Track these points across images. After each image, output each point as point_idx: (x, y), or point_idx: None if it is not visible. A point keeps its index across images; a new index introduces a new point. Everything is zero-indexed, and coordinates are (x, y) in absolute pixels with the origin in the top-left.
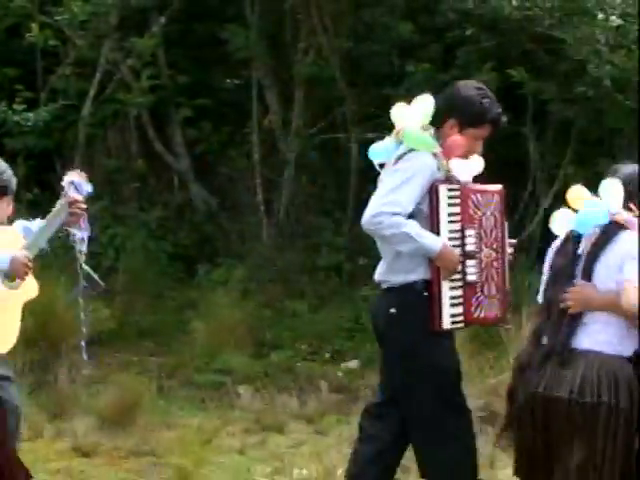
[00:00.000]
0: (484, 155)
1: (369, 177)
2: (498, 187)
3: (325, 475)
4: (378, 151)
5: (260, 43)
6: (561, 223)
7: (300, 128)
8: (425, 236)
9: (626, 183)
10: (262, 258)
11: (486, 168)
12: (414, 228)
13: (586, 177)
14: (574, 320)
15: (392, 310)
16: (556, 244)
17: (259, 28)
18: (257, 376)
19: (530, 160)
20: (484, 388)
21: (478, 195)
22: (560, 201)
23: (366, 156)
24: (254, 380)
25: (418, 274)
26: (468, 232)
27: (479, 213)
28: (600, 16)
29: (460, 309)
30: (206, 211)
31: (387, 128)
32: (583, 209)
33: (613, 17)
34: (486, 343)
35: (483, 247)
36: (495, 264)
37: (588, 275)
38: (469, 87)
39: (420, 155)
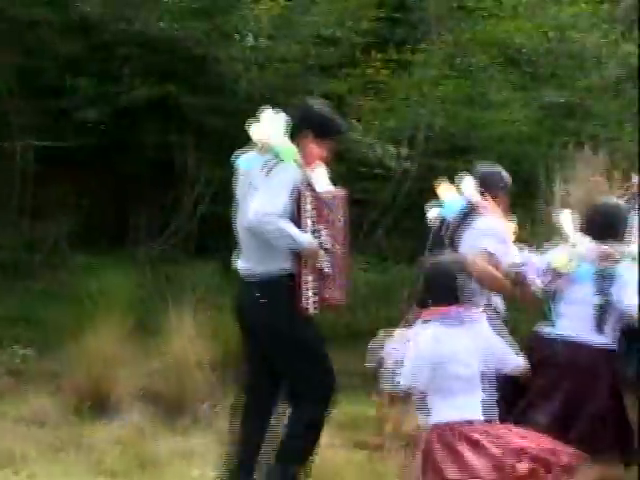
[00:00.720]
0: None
1: (37, 181)
2: (343, 193)
3: None
4: (246, 161)
5: None
6: (433, 213)
7: None
8: (300, 235)
9: (482, 179)
10: None
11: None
12: (292, 229)
13: None
14: None
15: (262, 299)
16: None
17: None
18: None
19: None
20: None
21: (330, 200)
22: (217, 202)
23: (36, 161)
24: None
25: (284, 267)
26: (324, 232)
27: (332, 215)
28: (249, 39)
29: (317, 297)
30: None
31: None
32: (450, 199)
33: (262, 39)
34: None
35: (335, 244)
36: (342, 258)
37: (455, 246)
38: (320, 104)
39: (289, 166)
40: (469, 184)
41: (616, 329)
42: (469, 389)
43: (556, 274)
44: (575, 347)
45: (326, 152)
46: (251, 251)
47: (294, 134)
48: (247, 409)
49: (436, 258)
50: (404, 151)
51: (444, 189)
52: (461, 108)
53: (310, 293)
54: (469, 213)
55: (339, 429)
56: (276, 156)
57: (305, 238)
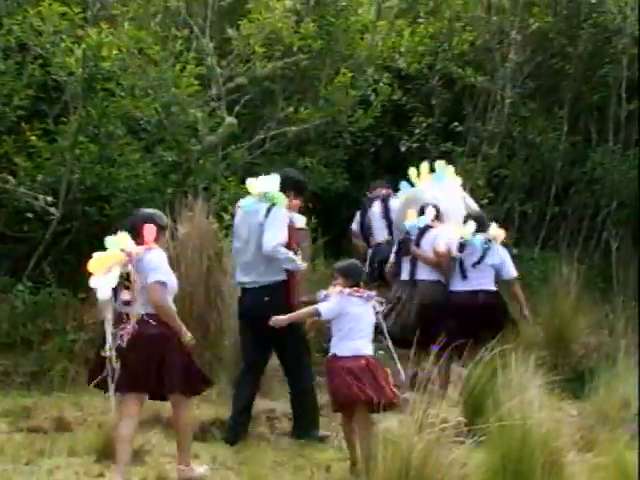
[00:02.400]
0: None
1: None
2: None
3: None
4: (248, 204)
5: None
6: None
7: None
8: (296, 258)
9: (437, 207)
10: None
11: None
12: (291, 254)
13: None
14: (415, 266)
15: (267, 298)
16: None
17: None
18: None
19: None
20: None
21: (303, 232)
22: None
23: None
24: None
25: (279, 278)
26: (299, 252)
27: (305, 242)
28: None
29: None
30: None
31: None
32: (412, 221)
33: None
34: None
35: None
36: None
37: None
38: (295, 172)
39: (282, 209)
40: (429, 210)
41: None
42: (363, 336)
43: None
44: (482, 293)
45: (301, 201)
46: (254, 268)
47: (282, 189)
48: (246, 378)
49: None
50: (49, 199)
51: (409, 215)
52: (92, 166)
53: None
54: (426, 228)
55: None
56: (274, 203)
57: (299, 260)
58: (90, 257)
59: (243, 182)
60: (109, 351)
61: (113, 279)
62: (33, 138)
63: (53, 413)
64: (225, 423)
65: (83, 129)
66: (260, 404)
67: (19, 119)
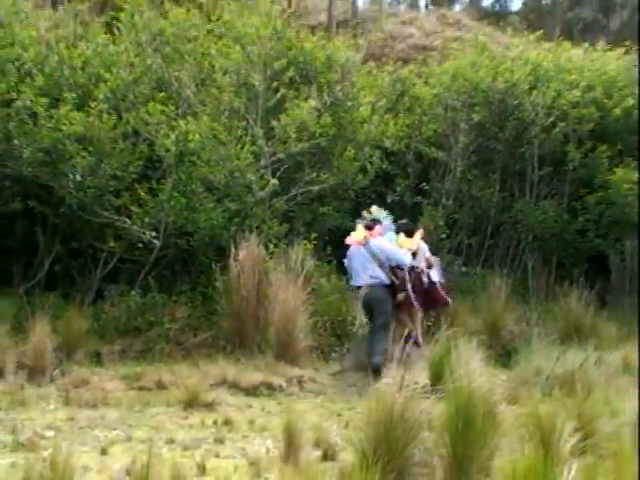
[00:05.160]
0: None
1: None
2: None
3: None
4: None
5: None
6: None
7: None
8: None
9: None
10: None
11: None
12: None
13: None
14: None
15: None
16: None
17: None
18: None
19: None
20: None
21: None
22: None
23: None
24: None
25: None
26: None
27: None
28: None
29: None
30: None
31: None
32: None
33: None
34: None
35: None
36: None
37: None
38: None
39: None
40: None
41: None
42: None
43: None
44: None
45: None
46: (370, 274)
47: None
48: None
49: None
50: (153, 234)
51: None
52: (182, 212)
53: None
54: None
55: None
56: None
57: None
58: (181, 274)
59: (281, 224)
60: None
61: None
62: (142, 193)
63: (154, 377)
64: (271, 384)
65: (176, 188)
66: (292, 371)
67: (133, 181)
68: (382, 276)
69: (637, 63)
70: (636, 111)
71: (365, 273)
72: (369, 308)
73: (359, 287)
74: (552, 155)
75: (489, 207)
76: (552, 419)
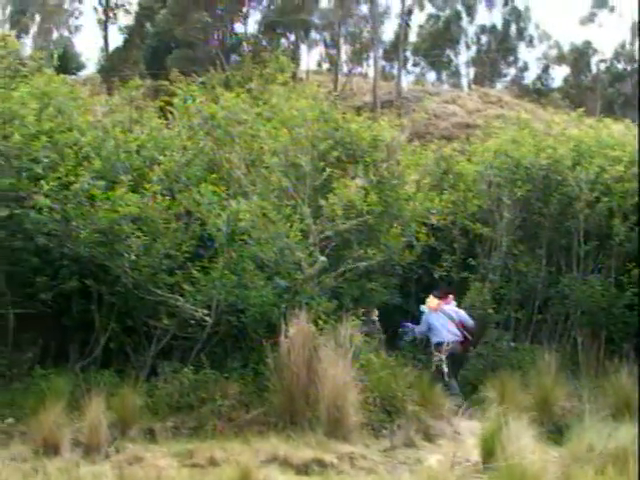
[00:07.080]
0: None
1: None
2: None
3: None
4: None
5: None
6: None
7: None
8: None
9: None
10: None
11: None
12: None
13: None
14: None
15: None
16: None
17: None
18: None
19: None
20: None
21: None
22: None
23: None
24: None
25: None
26: None
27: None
28: None
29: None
30: None
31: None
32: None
33: None
34: None
35: None
36: None
37: None
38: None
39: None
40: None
41: None
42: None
43: None
44: None
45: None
46: (453, 332)
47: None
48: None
49: None
50: (205, 312)
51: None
52: (233, 290)
53: None
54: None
55: None
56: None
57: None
58: (233, 351)
59: (330, 300)
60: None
61: None
62: (194, 272)
63: (207, 454)
64: (322, 461)
65: (227, 266)
66: (343, 447)
67: (185, 259)
68: (459, 333)
69: None
70: None
71: (448, 332)
72: (453, 357)
73: (440, 343)
74: (597, 229)
75: (536, 282)
76: None
